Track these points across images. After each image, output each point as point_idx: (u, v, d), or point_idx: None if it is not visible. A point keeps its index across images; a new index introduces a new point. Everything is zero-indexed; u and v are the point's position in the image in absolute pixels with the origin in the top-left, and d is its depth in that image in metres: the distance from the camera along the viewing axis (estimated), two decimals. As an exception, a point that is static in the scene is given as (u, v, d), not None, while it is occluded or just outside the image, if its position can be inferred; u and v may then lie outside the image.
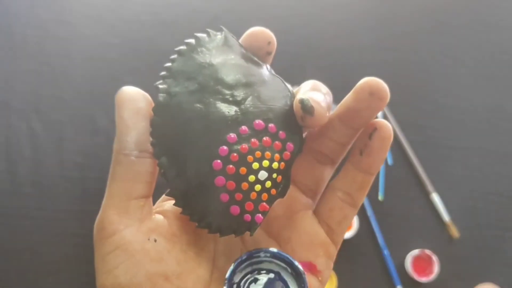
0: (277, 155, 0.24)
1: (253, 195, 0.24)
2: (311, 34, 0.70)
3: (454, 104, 0.68)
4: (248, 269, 0.25)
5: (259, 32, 0.26)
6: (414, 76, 0.69)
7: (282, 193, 0.25)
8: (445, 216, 0.64)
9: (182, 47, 0.26)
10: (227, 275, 0.25)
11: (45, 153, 0.59)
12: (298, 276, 0.25)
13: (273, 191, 0.25)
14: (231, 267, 0.25)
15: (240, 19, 0.69)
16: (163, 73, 0.25)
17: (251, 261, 0.25)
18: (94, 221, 0.24)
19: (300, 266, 0.25)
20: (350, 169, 0.26)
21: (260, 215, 0.24)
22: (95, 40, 0.66)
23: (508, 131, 0.67)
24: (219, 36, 0.26)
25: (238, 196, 0.24)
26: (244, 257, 0.25)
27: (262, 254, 0.25)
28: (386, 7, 0.72)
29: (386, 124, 0.25)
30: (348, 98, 0.25)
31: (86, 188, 0.58)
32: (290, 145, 0.25)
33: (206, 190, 0.24)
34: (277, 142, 0.24)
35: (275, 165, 0.24)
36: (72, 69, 0.64)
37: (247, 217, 0.24)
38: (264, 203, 0.24)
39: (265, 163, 0.24)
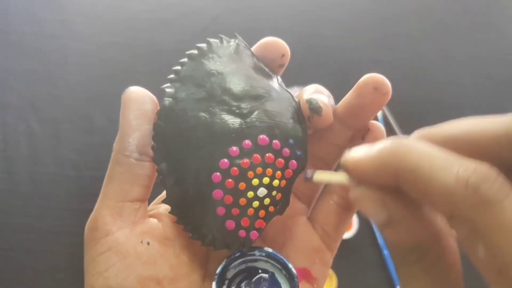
0: (278, 173, 0.23)
1: (250, 211, 0.23)
2: (310, 33, 0.69)
3: (454, 103, 0.67)
4: (242, 267, 0.25)
5: (273, 43, 0.25)
6: (413, 76, 0.68)
7: (280, 211, 0.24)
8: (446, 217, 0.63)
9: (193, 51, 0.25)
10: (218, 270, 0.24)
11: (42, 152, 0.59)
12: (291, 279, 0.24)
13: (271, 208, 0.24)
14: (223, 263, 0.24)
15: (240, 19, 0.68)
16: (171, 76, 0.25)
17: (245, 259, 0.25)
18: None
19: (293, 269, 0.24)
20: None
21: (255, 231, 0.24)
22: (93, 39, 0.65)
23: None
24: (232, 43, 0.25)
25: (235, 211, 0.23)
26: (237, 254, 0.25)
27: (257, 253, 0.25)
28: (386, 7, 0.72)
29: (379, 125, 0.25)
30: (350, 95, 0.25)
31: (83, 186, 0.57)
32: (293, 162, 0.24)
33: (203, 202, 0.23)
34: (280, 159, 0.23)
35: (275, 182, 0.23)
36: (69, 67, 0.64)
37: (242, 232, 0.24)
38: (261, 220, 0.24)
39: (266, 180, 0.23)
